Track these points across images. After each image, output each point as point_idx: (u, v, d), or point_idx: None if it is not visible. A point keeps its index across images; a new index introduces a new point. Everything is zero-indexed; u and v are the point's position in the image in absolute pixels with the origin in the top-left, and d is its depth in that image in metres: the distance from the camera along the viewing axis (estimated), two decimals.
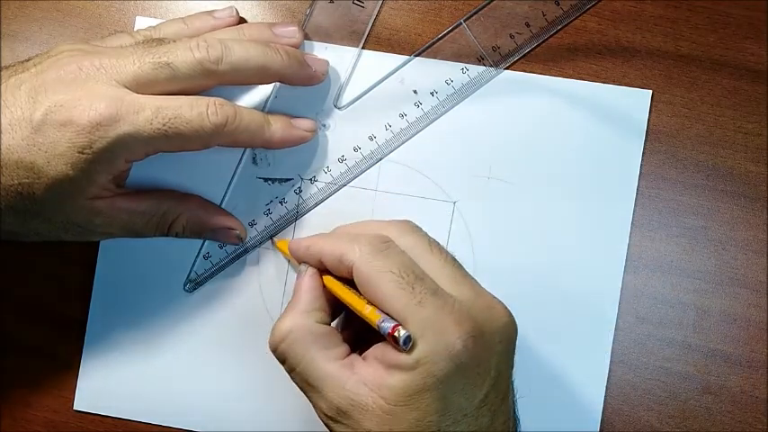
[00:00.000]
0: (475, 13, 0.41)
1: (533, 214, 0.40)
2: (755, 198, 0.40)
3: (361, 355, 0.34)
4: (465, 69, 0.41)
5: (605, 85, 0.41)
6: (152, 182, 0.40)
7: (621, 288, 0.40)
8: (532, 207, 0.40)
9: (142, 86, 0.35)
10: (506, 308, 0.33)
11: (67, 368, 0.42)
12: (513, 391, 0.34)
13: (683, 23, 0.41)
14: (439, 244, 0.35)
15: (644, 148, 0.40)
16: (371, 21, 0.41)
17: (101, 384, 0.41)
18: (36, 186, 0.34)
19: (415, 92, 0.41)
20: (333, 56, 0.41)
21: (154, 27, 0.39)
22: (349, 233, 0.36)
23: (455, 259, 0.34)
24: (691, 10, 0.41)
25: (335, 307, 0.36)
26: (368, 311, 0.32)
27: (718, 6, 0.40)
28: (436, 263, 0.33)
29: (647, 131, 0.40)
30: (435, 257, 0.34)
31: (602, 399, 0.40)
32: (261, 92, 0.41)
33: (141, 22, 0.42)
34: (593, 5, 0.41)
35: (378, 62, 0.41)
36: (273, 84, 0.41)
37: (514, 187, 0.41)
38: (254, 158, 0.41)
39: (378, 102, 0.41)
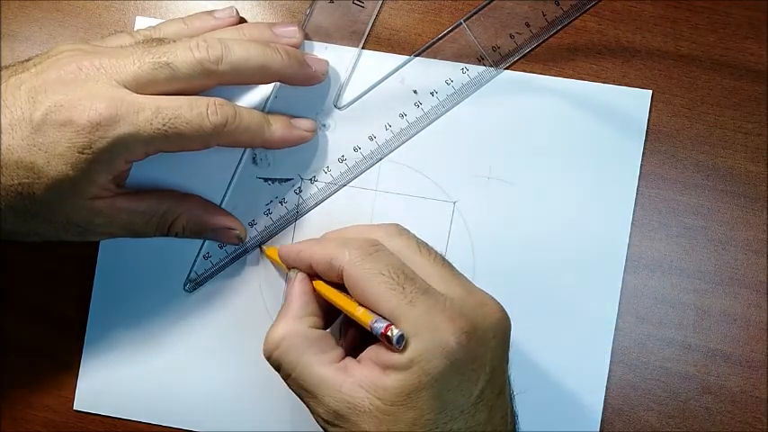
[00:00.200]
0: (475, 13, 0.41)
1: (533, 214, 0.40)
2: (755, 198, 0.40)
3: (356, 358, 0.34)
4: (465, 69, 0.41)
5: (605, 85, 0.41)
6: (152, 182, 0.40)
7: (621, 288, 0.40)
8: (532, 207, 0.40)
9: (142, 86, 0.35)
10: (499, 304, 0.33)
11: (67, 368, 0.42)
12: (511, 386, 0.34)
13: (683, 23, 0.41)
14: (427, 245, 0.35)
15: (644, 148, 0.40)
16: (371, 21, 0.41)
17: (101, 384, 0.41)
18: (36, 186, 0.34)
19: (415, 92, 0.41)
20: (333, 56, 0.41)
21: (154, 27, 0.39)
22: (338, 238, 0.36)
23: (444, 258, 0.34)
24: (691, 10, 0.41)
25: (328, 312, 0.36)
26: (360, 313, 0.32)
27: (718, 6, 0.40)
28: (426, 263, 0.34)
29: (647, 131, 0.40)
30: (424, 258, 0.34)
31: (602, 399, 0.40)
32: (261, 92, 0.41)
33: (141, 22, 0.42)
34: (593, 5, 0.41)
35: (378, 62, 0.41)
36: (273, 84, 0.41)
37: (514, 187, 0.41)
38: (254, 158, 0.41)
39: (378, 102, 0.41)
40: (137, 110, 0.34)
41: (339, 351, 0.34)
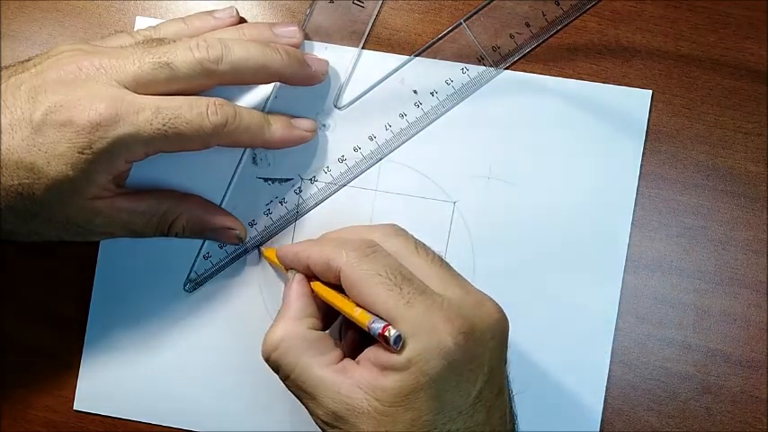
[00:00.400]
0: (475, 13, 0.41)
1: (533, 214, 0.40)
2: (755, 198, 0.40)
3: (354, 359, 0.34)
4: (465, 69, 0.41)
5: (605, 85, 0.41)
6: (152, 182, 0.40)
7: (621, 288, 0.40)
8: (532, 207, 0.40)
9: (142, 87, 0.35)
10: (497, 304, 0.33)
11: (67, 368, 0.42)
12: (510, 386, 0.34)
13: (683, 23, 0.41)
14: (425, 245, 0.35)
15: (644, 148, 0.40)
16: (371, 21, 0.41)
17: (101, 384, 0.41)
18: (36, 187, 0.34)
19: (415, 92, 0.41)
20: (333, 56, 0.41)
21: (154, 27, 0.39)
22: (335, 238, 0.36)
23: (442, 259, 0.34)
24: (691, 10, 0.41)
25: (327, 313, 0.36)
26: (357, 314, 0.32)
27: (718, 6, 0.40)
28: (423, 264, 0.34)
29: (647, 131, 0.40)
30: (422, 258, 0.34)
31: (602, 399, 0.40)
32: (261, 92, 0.41)
33: (141, 22, 0.42)
34: (593, 5, 0.41)
35: (378, 62, 0.41)
36: (273, 84, 0.41)
37: (514, 187, 0.41)
38: (254, 158, 0.41)
39: (378, 102, 0.41)
40: (137, 110, 0.34)
41: (338, 352, 0.34)
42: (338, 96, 0.41)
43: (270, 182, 0.41)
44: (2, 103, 0.34)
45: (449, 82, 0.41)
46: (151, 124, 0.34)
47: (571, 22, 0.41)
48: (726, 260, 0.40)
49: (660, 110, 0.41)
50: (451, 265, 0.35)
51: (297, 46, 0.39)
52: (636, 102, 0.40)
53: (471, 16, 0.41)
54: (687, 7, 0.41)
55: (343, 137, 0.41)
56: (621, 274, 0.40)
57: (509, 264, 0.41)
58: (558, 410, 0.40)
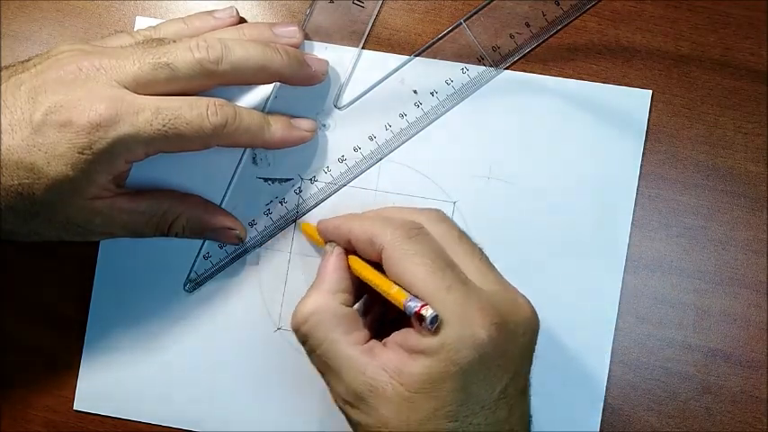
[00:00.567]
0: (475, 13, 0.41)
1: (533, 214, 0.40)
2: (755, 198, 0.40)
3: (380, 342, 0.33)
4: (465, 69, 0.41)
5: (605, 85, 0.40)
6: (152, 182, 0.40)
7: (621, 288, 0.40)
8: (532, 207, 0.40)
9: (142, 87, 0.35)
10: (530, 303, 0.33)
11: (67, 368, 0.42)
12: (530, 387, 0.34)
13: (683, 23, 0.41)
14: (468, 235, 0.35)
15: (644, 148, 0.40)
16: (371, 21, 0.41)
17: (101, 384, 0.41)
18: (36, 187, 0.34)
19: (415, 92, 0.41)
20: (333, 56, 0.41)
21: (154, 27, 0.39)
22: (380, 216, 0.36)
23: (482, 251, 0.35)
24: (691, 10, 0.41)
25: (358, 291, 0.36)
26: (394, 291, 0.32)
27: (718, 6, 0.40)
28: (465, 253, 0.34)
29: (647, 131, 0.40)
30: (464, 248, 0.34)
31: (602, 399, 0.40)
32: (261, 92, 0.41)
33: (141, 22, 0.42)
34: (593, 5, 0.41)
35: (378, 62, 0.41)
36: (273, 84, 0.41)
37: (514, 187, 0.41)
38: (254, 158, 0.41)
39: (378, 102, 0.41)
40: (137, 110, 0.34)
41: (366, 333, 0.34)
42: (338, 96, 0.41)
43: (270, 182, 0.41)
44: (2, 103, 0.34)
45: (449, 82, 0.41)
46: (151, 125, 0.34)
47: (571, 22, 0.41)
48: (726, 260, 0.40)
49: (660, 110, 0.41)
50: None
51: (297, 46, 0.39)
52: (636, 102, 0.40)
53: (471, 16, 0.41)
54: (687, 7, 0.41)
55: (343, 137, 0.41)
56: (621, 274, 0.40)
57: (509, 264, 0.40)
58: (558, 410, 0.40)
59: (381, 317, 0.36)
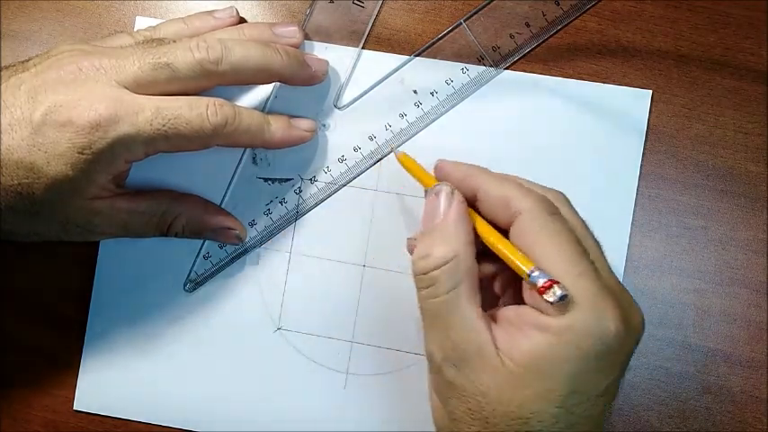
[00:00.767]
0: (475, 13, 0.41)
1: None
2: (755, 198, 0.40)
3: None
4: (465, 69, 0.41)
5: (605, 85, 0.40)
6: (152, 182, 0.40)
7: None
8: None
9: (142, 87, 0.35)
10: (641, 310, 0.33)
11: (67, 368, 0.42)
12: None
13: (683, 23, 0.41)
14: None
15: (644, 148, 0.40)
16: (371, 21, 0.41)
17: (101, 384, 0.41)
18: (36, 186, 0.34)
19: (415, 92, 0.41)
20: (333, 56, 0.41)
21: (154, 27, 0.39)
22: (516, 181, 0.34)
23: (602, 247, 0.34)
24: (691, 10, 0.41)
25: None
26: (519, 257, 0.31)
27: (718, 6, 0.40)
28: (592, 245, 0.33)
29: (647, 131, 0.40)
30: (591, 239, 0.33)
31: None
32: (261, 92, 0.41)
33: (141, 22, 0.42)
34: (593, 5, 0.41)
35: (378, 62, 0.41)
36: (273, 84, 0.41)
37: None
38: (254, 158, 0.41)
39: (378, 102, 0.41)
40: (136, 110, 0.34)
41: (480, 296, 0.32)
42: (338, 96, 0.41)
43: (270, 182, 0.41)
44: (2, 102, 0.34)
45: (449, 82, 0.41)
46: (151, 124, 0.34)
47: (571, 22, 0.41)
48: (726, 260, 0.40)
49: (660, 110, 0.41)
50: None
51: (297, 46, 0.39)
52: (636, 102, 0.40)
53: (471, 16, 0.41)
54: (687, 7, 0.41)
55: (343, 137, 0.41)
56: (621, 274, 0.40)
57: None
58: None
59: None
